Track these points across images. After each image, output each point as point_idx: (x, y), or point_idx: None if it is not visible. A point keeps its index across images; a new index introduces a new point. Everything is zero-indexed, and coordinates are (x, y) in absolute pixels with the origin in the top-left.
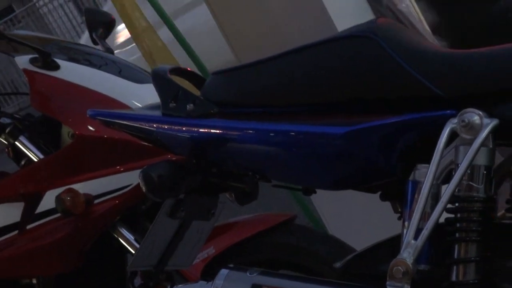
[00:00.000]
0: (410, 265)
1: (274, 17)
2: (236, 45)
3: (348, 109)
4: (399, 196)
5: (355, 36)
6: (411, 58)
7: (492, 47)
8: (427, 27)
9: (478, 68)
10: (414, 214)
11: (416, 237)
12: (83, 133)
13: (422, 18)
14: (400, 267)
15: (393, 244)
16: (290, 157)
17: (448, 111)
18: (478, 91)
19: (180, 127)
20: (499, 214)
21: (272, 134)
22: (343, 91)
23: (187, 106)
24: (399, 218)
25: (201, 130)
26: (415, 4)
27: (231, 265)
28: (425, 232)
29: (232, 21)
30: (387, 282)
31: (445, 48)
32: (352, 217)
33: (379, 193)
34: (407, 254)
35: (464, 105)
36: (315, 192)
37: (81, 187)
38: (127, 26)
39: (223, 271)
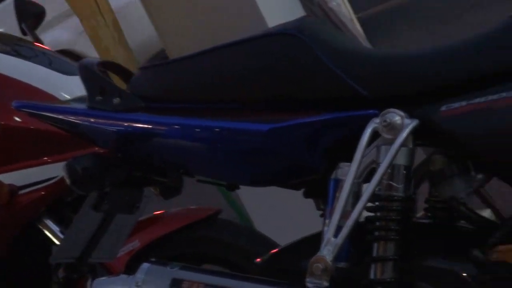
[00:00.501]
0: (330, 263)
1: (206, 13)
2: (168, 42)
3: (273, 106)
4: (322, 193)
5: (281, 34)
6: (336, 57)
7: (415, 49)
8: (358, 26)
9: (401, 69)
10: (334, 212)
11: (336, 235)
12: (8, 123)
13: (353, 16)
14: (319, 264)
15: (315, 241)
16: (214, 153)
17: (371, 111)
18: (400, 92)
19: (105, 121)
20: (419, 214)
21: (197, 130)
22: (269, 89)
23: (113, 100)
24: (321, 216)
25: (126, 124)
26: (347, 2)
27: (153, 259)
28: (345, 230)
29: (163, 16)
30: (307, 279)
31: (371, 48)
32: (279, 213)
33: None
34: (327, 252)
35: (387, 105)
36: (238, 188)
37: (5, 178)
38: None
39: (144, 265)
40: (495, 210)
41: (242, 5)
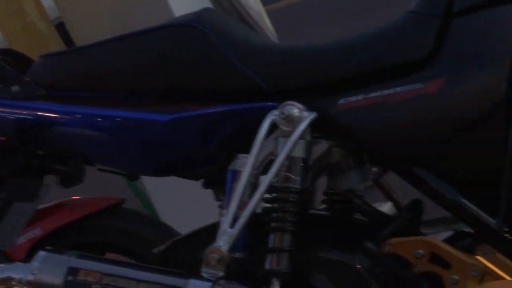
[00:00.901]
0: (225, 253)
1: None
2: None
3: (175, 96)
4: (220, 184)
5: (181, 25)
6: (236, 49)
7: (315, 43)
8: (266, 19)
9: (299, 63)
10: (231, 203)
11: (232, 226)
12: None
13: (262, 9)
14: (215, 254)
15: (212, 231)
16: (114, 142)
17: (270, 103)
18: (299, 85)
19: (3, 109)
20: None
21: (97, 119)
22: (169, 79)
23: (12, 87)
24: (220, 206)
25: (25, 112)
26: None
27: (49, 248)
28: (241, 221)
29: (72, 10)
30: (202, 269)
31: (271, 41)
32: (184, 203)
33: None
34: (223, 242)
35: (286, 98)
36: (139, 178)
37: None
38: None
39: (41, 253)
40: (395, 203)
41: None
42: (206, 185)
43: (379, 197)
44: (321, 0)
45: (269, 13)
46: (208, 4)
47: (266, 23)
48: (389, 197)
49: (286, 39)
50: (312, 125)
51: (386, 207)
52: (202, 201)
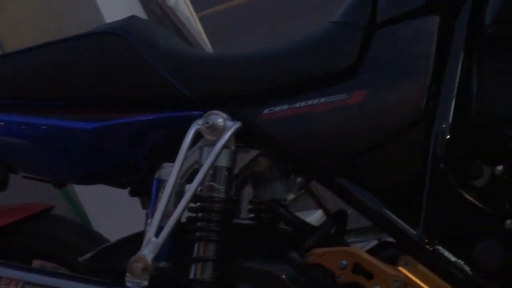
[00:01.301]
0: (150, 262)
1: (44, 10)
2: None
3: (100, 104)
4: (147, 193)
5: (107, 33)
6: (162, 58)
7: (244, 51)
8: (198, 25)
9: (224, 72)
10: (156, 211)
11: (157, 235)
12: None
13: (194, 15)
14: (139, 264)
15: (139, 240)
16: (39, 150)
17: (195, 112)
18: (223, 94)
19: None
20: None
21: (21, 127)
22: (94, 87)
23: None
24: (146, 215)
25: None
26: (187, 0)
27: None
28: (166, 230)
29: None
30: (126, 278)
31: (200, 50)
32: (116, 210)
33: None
34: (147, 251)
35: (211, 107)
36: (66, 185)
37: None
38: None
39: None
40: (325, 211)
41: (82, 3)
42: (132, 194)
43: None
44: (256, 5)
45: (202, 19)
46: (140, 11)
47: (198, 29)
48: (319, 205)
49: (220, 45)
50: (237, 135)
51: (317, 215)
52: (135, 208)
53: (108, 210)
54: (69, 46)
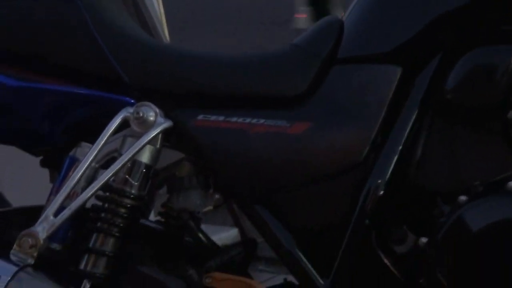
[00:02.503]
0: (41, 240)
1: None
2: None
3: (34, 66)
4: (58, 167)
5: None
6: (108, 34)
7: (195, 51)
8: (163, 19)
9: (169, 66)
10: (61, 190)
11: (56, 214)
12: None
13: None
14: (29, 239)
15: (37, 214)
16: None
17: (127, 99)
18: (162, 88)
19: None
20: (155, 218)
21: None
22: (32, 46)
23: None
24: (51, 191)
25: None
26: None
27: None
28: (67, 212)
29: None
30: (12, 251)
31: (153, 39)
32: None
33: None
34: (41, 228)
35: (145, 98)
36: None
37: None
38: None
39: None
40: (242, 232)
41: None
42: (43, 164)
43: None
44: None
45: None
46: None
47: (162, 23)
48: (237, 223)
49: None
50: (166, 133)
51: (232, 233)
52: (43, 179)
53: (17, 172)
54: (22, 4)
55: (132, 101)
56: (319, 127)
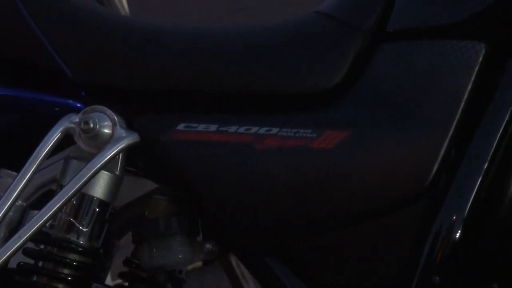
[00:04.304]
0: None
1: None
2: None
3: None
4: None
5: None
6: (42, 13)
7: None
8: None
9: (135, 52)
10: None
11: None
12: None
13: None
14: None
15: None
16: None
17: (71, 101)
18: (125, 85)
19: None
20: (114, 282)
21: None
22: None
23: None
24: None
25: None
26: None
27: None
28: None
29: None
30: None
31: (113, 12)
32: None
33: None
34: None
35: (98, 101)
36: None
37: None
38: None
39: None
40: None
41: None
42: None
43: None
44: None
45: None
46: None
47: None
48: (236, 285)
49: None
50: (129, 153)
51: None
52: None
53: None
54: None
55: (79, 105)
56: (361, 137)
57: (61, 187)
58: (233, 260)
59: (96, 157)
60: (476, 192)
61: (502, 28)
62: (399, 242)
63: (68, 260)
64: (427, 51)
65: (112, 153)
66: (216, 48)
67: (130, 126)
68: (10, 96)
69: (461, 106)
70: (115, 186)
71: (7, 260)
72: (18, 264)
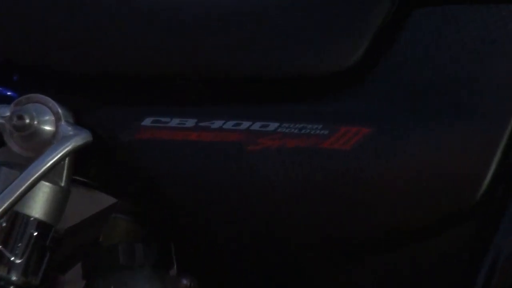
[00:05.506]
0: None
1: None
2: None
3: None
4: None
5: None
6: None
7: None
8: None
9: (82, 22)
10: None
11: None
12: None
13: None
14: None
15: None
16: None
17: (2, 89)
18: (71, 67)
19: None
20: None
21: None
22: None
23: None
24: None
25: None
26: None
27: None
28: None
29: None
30: None
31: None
32: None
33: None
34: None
35: (36, 88)
36: None
37: None
38: None
39: None
40: None
41: None
42: None
43: None
44: None
45: None
46: None
47: None
48: None
49: None
50: (79, 156)
51: None
52: None
53: None
54: None
55: (9, 93)
56: (389, 135)
57: None
58: None
59: (33, 163)
60: None
61: None
62: (449, 268)
63: None
64: (477, 18)
65: (55, 158)
66: (190, 18)
67: (79, 121)
68: None
69: None
70: (59, 202)
71: None
72: None
